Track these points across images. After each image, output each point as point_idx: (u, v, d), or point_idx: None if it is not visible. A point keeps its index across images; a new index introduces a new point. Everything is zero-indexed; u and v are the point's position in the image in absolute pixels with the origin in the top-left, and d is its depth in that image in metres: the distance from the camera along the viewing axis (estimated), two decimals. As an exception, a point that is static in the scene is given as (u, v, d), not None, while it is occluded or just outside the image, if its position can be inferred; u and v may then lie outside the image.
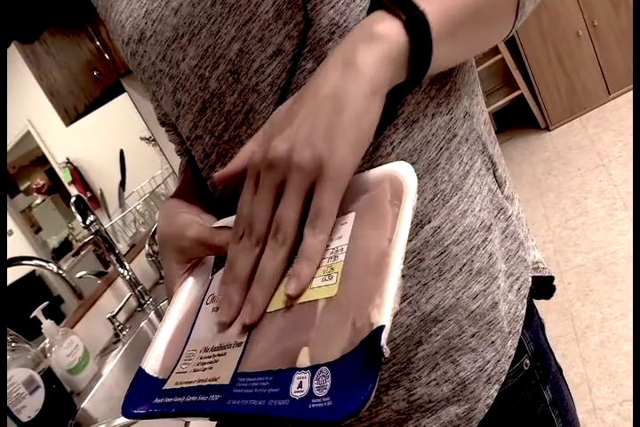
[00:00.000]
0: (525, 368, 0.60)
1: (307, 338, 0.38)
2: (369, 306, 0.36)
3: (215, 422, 0.78)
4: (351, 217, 0.43)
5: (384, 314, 0.34)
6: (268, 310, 0.43)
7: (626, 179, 2.69)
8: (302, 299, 0.41)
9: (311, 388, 0.35)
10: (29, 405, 1.08)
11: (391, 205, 0.41)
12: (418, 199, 0.53)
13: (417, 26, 0.43)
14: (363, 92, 0.42)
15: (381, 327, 0.34)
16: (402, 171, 0.42)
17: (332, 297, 0.39)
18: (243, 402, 0.38)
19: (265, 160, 0.42)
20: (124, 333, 1.49)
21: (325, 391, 0.34)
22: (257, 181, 0.43)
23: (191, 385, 0.43)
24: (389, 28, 0.43)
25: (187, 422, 0.83)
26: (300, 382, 0.36)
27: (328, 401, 0.34)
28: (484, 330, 0.56)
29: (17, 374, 1.08)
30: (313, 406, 0.34)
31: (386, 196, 0.42)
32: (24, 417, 1.07)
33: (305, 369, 0.36)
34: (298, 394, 0.35)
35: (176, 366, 0.47)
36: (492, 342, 0.56)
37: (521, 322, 0.60)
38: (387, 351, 0.33)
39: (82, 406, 1.20)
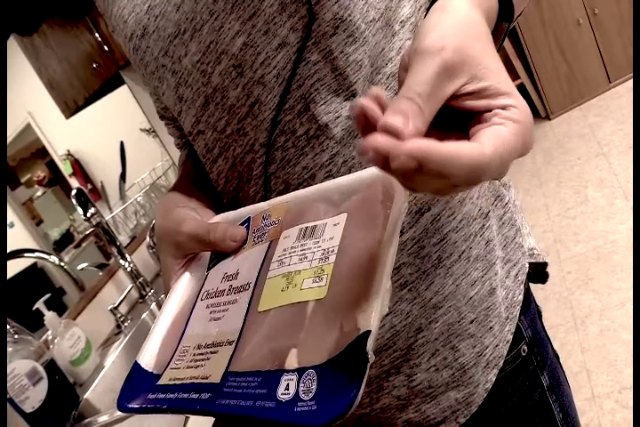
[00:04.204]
0: (523, 354, 0.61)
1: (296, 340, 0.38)
2: (356, 310, 0.36)
3: (213, 419, 0.79)
4: (343, 218, 0.43)
5: (371, 319, 0.35)
6: (259, 310, 0.43)
7: (626, 168, 2.69)
8: (292, 300, 0.41)
9: (297, 391, 0.36)
10: (32, 396, 1.09)
11: (383, 207, 0.41)
12: None
13: None
14: None
15: (367, 333, 0.34)
16: None
17: (322, 299, 0.39)
18: (231, 402, 0.39)
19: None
20: (126, 324, 1.49)
21: (311, 395, 0.35)
22: None
23: (184, 382, 0.44)
24: None
25: (187, 417, 0.84)
26: (287, 385, 0.36)
27: (313, 405, 0.34)
28: (482, 316, 0.56)
29: (20, 366, 1.08)
30: (298, 409, 0.35)
31: (378, 197, 0.42)
32: (28, 408, 1.07)
33: (292, 371, 0.37)
34: (284, 397, 0.36)
35: (170, 361, 0.48)
36: (491, 328, 0.57)
37: (518, 307, 0.60)
38: (372, 357, 0.33)
39: (84, 396, 1.20)
